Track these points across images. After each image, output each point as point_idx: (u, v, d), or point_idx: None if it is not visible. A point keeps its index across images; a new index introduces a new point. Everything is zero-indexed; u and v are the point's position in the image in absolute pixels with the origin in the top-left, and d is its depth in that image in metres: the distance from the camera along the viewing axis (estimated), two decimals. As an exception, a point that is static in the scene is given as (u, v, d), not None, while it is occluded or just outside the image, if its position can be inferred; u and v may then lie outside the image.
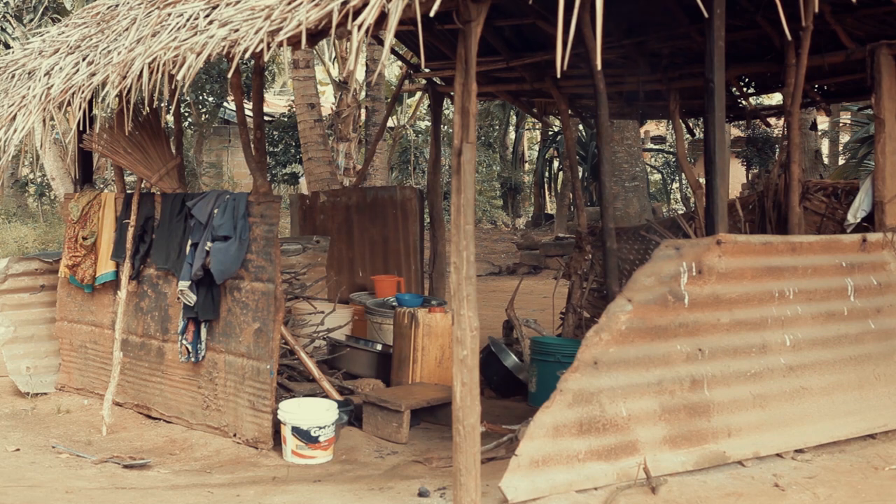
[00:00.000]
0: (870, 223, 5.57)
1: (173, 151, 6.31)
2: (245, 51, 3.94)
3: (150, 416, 6.13)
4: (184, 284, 5.62)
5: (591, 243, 7.38)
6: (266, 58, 4.11)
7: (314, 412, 5.22)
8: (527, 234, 19.90)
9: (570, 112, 8.19)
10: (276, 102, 25.55)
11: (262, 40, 3.86)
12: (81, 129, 6.27)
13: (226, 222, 5.48)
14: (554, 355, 6.28)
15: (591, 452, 4.14)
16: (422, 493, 4.31)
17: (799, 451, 4.69)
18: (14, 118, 5.81)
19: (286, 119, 20.29)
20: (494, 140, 26.50)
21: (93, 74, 5.33)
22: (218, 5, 4.71)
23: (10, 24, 18.94)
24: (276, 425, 5.28)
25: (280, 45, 3.81)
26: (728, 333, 4.52)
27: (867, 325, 5.01)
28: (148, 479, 4.88)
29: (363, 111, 17.78)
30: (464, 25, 3.69)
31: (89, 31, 6.24)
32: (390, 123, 19.94)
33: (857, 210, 5.88)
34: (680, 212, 20.42)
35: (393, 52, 9.92)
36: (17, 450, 5.37)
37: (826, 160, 19.94)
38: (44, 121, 5.70)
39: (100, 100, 5.47)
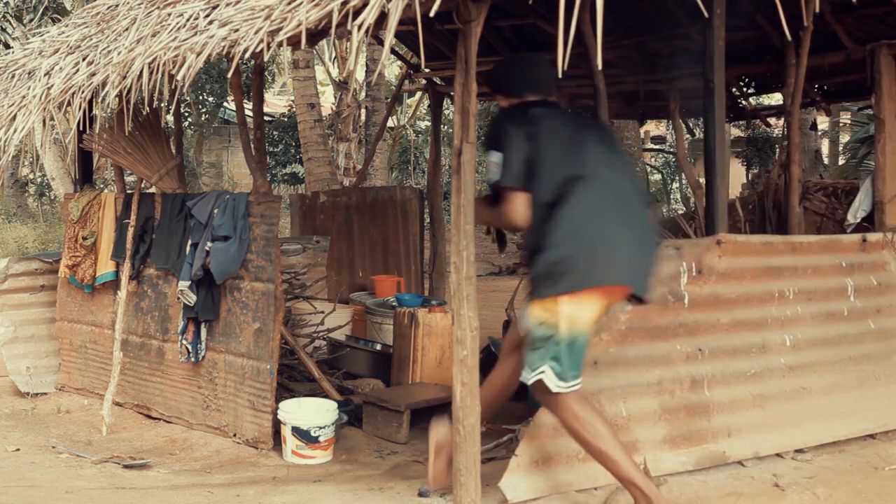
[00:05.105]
0: (870, 223, 5.57)
1: (173, 151, 6.30)
2: (245, 51, 3.94)
3: (150, 416, 6.13)
4: (184, 284, 5.62)
5: (591, 243, 7.36)
6: (266, 58, 4.11)
7: (314, 412, 5.22)
8: (527, 234, 19.83)
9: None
10: (276, 102, 25.53)
11: (262, 40, 3.86)
12: (81, 129, 6.26)
13: (226, 222, 5.48)
14: (554, 355, 6.26)
15: (591, 452, 4.13)
16: (422, 493, 4.31)
17: (799, 451, 4.69)
18: (14, 118, 5.80)
19: (286, 119, 20.28)
20: (494, 140, 26.42)
21: (93, 74, 5.33)
22: (218, 5, 4.70)
23: (10, 24, 18.93)
24: (276, 425, 5.28)
25: (280, 45, 3.80)
26: (728, 333, 4.52)
27: (867, 326, 5.01)
28: (148, 479, 4.88)
29: (363, 111, 17.78)
30: (464, 25, 3.68)
31: (89, 31, 6.24)
32: (390, 123, 19.91)
33: (857, 210, 5.89)
34: (680, 212, 20.41)
35: (393, 52, 9.91)
36: (17, 450, 5.37)
37: (826, 160, 19.94)
38: (44, 121, 5.69)
39: (100, 100, 5.47)
